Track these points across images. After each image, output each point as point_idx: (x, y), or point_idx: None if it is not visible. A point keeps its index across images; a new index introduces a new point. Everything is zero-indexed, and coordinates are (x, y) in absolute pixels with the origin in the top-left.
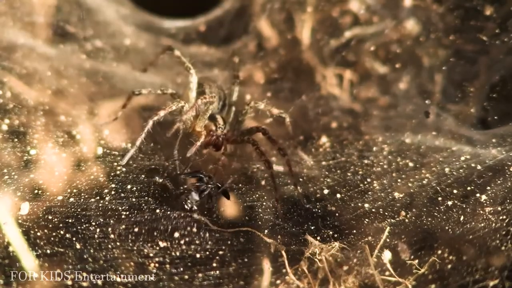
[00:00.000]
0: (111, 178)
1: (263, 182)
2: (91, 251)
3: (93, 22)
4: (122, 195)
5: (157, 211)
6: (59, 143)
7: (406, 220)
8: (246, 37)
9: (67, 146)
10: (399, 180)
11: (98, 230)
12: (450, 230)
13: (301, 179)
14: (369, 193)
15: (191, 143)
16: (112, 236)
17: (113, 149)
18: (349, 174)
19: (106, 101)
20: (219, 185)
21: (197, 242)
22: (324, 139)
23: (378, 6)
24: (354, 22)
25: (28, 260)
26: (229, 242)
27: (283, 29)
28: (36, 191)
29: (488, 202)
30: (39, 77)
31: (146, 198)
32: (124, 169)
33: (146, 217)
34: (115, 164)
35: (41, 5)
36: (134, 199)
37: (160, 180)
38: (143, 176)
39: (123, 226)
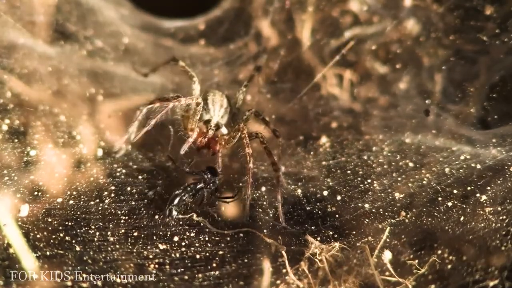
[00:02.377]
0: (111, 179)
1: (263, 188)
2: (91, 253)
3: (93, 22)
4: (122, 197)
5: (156, 216)
6: (59, 144)
7: (406, 220)
8: (246, 37)
9: (67, 146)
10: (399, 180)
11: (97, 233)
12: (450, 230)
13: (301, 179)
14: (369, 193)
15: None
16: (111, 238)
17: (113, 150)
18: (349, 174)
19: (106, 101)
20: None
21: (196, 244)
22: (324, 139)
23: (378, 6)
24: (354, 22)
25: (28, 262)
26: (229, 243)
27: (283, 29)
28: (36, 193)
29: (488, 202)
30: (39, 77)
31: (145, 201)
32: (124, 171)
33: (145, 221)
34: (115, 165)
35: (41, 5)
36: (133, 202)
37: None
38: (141, 177)
39: (123, 230)
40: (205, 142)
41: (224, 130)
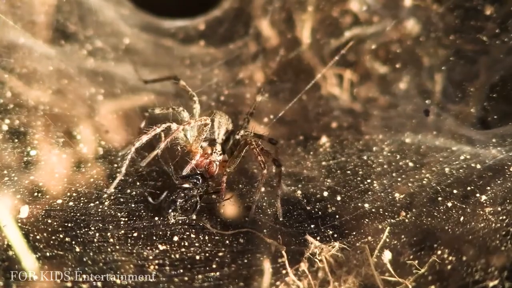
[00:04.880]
0: (111, 180)
1: (262, 189)
2: (91, 254)
3: (93, 22)
4: (121, 200)
5: (156, 218)
6: (59, 144)
7: (406, 220)
8: (246, 37)
9: (67, 146)
10: (399, 180)
11: (97, 234)
12: (450, 230)
13: (301, 180)
14: (369, 193)
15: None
16: (111, 240)
17: (114, 150)
18: (349, 174)
19: (106, 101)
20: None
21: (196, 244)
22: (324, 139)
23: (378, 6)
24: (354, 22)
25: (28, 262)
26: (228, 244)
27: (283, 29)
28: (36, 194)
29: (488, 202)
30: (39, 77)
31: (145, 203)
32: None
33: (144, 223)
34: (115, 165)
35: (42, 5)
36: (133, 205)
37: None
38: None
39: (122, 231)
40: (207, 164)
41: (226, 157)
